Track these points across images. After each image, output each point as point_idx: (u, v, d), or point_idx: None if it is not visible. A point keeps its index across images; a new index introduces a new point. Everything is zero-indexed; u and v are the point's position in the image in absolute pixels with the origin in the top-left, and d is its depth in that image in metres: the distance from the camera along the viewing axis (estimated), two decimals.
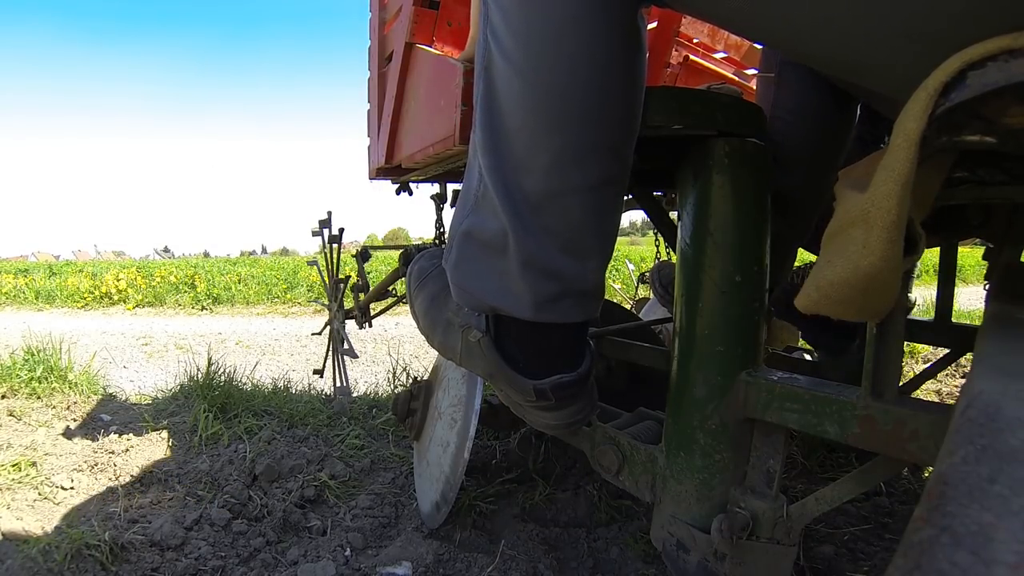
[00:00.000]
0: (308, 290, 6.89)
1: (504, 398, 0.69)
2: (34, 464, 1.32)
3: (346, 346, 2.03)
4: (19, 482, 1.24)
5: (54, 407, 1.81)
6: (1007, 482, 0.19)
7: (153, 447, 1.48)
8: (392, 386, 2.04)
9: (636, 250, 11.76)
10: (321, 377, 2.20)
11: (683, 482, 0.63)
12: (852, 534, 1.02)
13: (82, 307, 6.66)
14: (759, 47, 1.15)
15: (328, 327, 2.22)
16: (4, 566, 0.92)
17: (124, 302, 6.74)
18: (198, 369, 1.93)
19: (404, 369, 2.07)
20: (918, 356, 2.40)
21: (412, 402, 1.19)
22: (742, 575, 0.59)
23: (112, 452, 1.42)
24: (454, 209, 0.66)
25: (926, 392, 1.88)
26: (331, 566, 0.93)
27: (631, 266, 3.59)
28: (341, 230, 2.08)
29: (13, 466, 1.29)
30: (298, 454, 1.38)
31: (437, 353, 0.84)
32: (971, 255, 6.76)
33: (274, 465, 1.28)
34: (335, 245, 2.11)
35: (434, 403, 1.15)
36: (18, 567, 0.90)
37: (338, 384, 2.10)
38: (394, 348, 2.68)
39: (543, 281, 0.57)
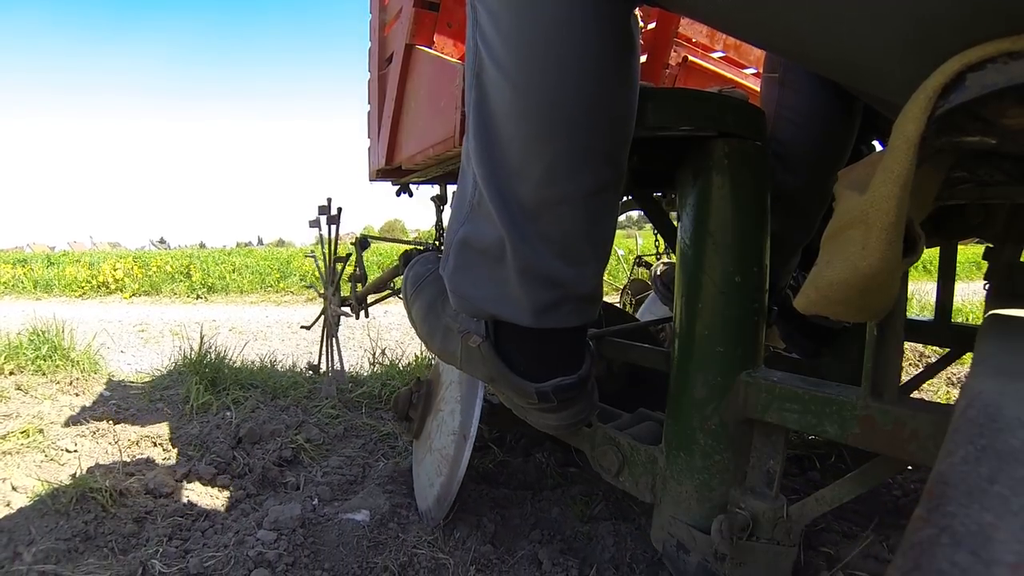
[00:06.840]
0: (301, 279, 6.93)
1: (505, 400, 0.69)
2: (41, 431, 1.43)
3: (340, 322, 2.07)
4: (27, 446, 1.34)
5: (58, 382, 1.92)
6: (1007, 482, 0.19)
7: (149, 416, 1.61)
8: (372, 365, 2.20)
9: (630, 242, 11.75)
10: (317, 374, 2.19)
11: (683, 483, 0.63)
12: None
13: (79, 296, 6.68)
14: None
15: (323, 315, 2.21)
16: (17, 508, 1.04)
17: (121, 291, 6.77)
18: (191, 348, 2.04)
19: (383, 351, 2.22)
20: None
21: (412, 397, 1.20)
22: None
23: (112, 420, 1.54)
24: (449, 214, 0.65)
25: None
26: (297, 507, 1.00)
27: (620, 252, 3.54)
28: (339, 210, 2.08)
29: (22, 432, 1.40)
30: (278, 420, 1.50)
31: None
32: (963, 251, 6.75)
33: (256, 429, 1.39)
34: (333, 226, 2.10)
35: (434, 401, 1.15)
36: (29, 508, 1.02)
37: (335, 368, 2.09)
38: (375, 334, 2.78)
39: (541, 288, 0.57)
